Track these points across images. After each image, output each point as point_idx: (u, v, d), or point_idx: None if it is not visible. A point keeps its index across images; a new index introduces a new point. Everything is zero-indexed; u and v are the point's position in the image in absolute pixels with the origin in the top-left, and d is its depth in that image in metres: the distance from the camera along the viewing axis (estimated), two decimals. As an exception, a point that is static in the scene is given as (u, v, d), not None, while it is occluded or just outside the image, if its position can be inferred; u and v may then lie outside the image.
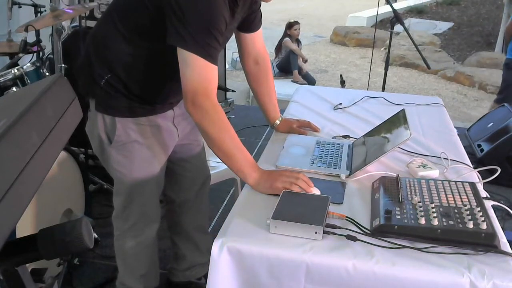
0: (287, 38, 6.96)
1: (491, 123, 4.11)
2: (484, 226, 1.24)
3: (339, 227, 1.30)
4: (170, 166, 1.92)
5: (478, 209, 1.32)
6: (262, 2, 1.74)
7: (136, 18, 1.60)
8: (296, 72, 6.83)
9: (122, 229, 1.89)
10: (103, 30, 1.69)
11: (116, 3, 1.69)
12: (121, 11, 1.65)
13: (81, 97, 1.34)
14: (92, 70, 1.68)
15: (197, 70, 1.47)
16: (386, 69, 3.59)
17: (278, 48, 7.07)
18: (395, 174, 1.55)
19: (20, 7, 3.63)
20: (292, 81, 6.78)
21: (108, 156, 1.75)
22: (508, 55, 4.65)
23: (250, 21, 1.82)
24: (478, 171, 1.69)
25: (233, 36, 1.88)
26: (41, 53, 2.65)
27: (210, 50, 1.48)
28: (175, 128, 1.84)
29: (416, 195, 1.41)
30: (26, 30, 2.57)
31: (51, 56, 3.12)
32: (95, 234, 0.84)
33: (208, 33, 1.46)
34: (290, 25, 7.01)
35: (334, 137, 1.94)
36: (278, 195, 1.43)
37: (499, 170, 1.60)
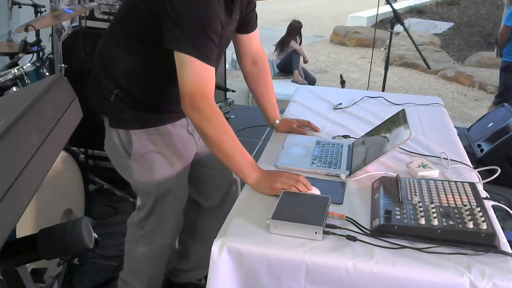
0: (293, 41, 6.92)
1: (491, 123, 4.11)
2: (484, 226, 1.24)
3: (339, 227, 1.30)
4: (194, 174, 1.91)
5: (478, 209, 1.32)
6: (259, 2, 1.74)
7: (134, 26, 1.61)
8: (296, 72, 6.82)
9: (136, 235, 1.88)
10: (106, 45, 1.70)
11: (116, 16, 1.71)
12: (120, 22, 1.67)
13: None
14: (101, 86, 1.69)
15: (194, 72, 1.48)
16: (386, 69, 3.59)
17: (282, 46, 7.01)
18: (395, 174, 1.55)
19: (20, 7, 3.63)
20: (292, 81, 6.76)
21: (130, 170, 1.75)
22: (504, 58, 4.64)
23: (247, 21, 1.83)
24: (478, 171, 1.69)
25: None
26: (41, 53, 2.64)
27: (206, 52, 1.48)
28: (191, 136, 1.82)
29: (416, 195, 1.41)
30: (26, 30, 2.56)
31: (51, 56, 3.12)
32: (95, 234, 0.84)
33: (203, 35, 1.46)
34: (301, 26, 6.96)
35: (334, 137, 1.94)
36: (277, 195, 1.43)
37: (499, 170, 1.60)
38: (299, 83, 6.59)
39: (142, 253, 1.89)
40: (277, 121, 2.00)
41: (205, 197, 2.03)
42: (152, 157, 1.72)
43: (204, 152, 1.91)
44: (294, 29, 7.00)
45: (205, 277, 1.86)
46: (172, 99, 1.73)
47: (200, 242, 2.12)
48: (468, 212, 1.30)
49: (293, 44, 6.88)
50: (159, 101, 1.71)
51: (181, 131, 1.79)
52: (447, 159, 1.73)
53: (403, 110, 1.76)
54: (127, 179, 1.82)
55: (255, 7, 1.81)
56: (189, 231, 2.14)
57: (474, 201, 1.38)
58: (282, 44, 7.02)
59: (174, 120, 1.77)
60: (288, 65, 6.90)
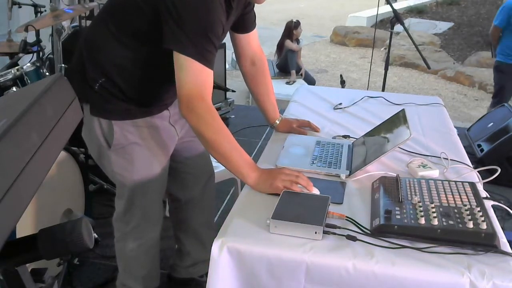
0: (288, 40, 6.94)
1: (491, 123, 4.11)
2: (484, 226, 1.24)
3: (339, 227, 1.30)
4: (173, 165, 1.92)
5: (478, 209, 1.32)
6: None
7: (130, 20, 1.59)
8: (293, 72, 6.82)
9: (124, 231, 1.89)
10: (96, 34, 1.68)
11: (108, 6, 1.68)
12: (114, 13, 1.64)
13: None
14: (85, 74, 1.67)
15: (193, 74, 1.47)
16: (386, 69, 3.59)
17: (279, 48, 7.05)
18: (395, 174, 1.55)
19: (20, 7, 3.64)
20: (287, 82, 6.76)
21: (108, 160, 1.74)
22: (498, 57, 4.65)
23: (245, 21, 1.83)
24: (478, 171, 1.69)
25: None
26: (41, 53, 2.65)
27: (207, 54, 1.48)
28: (173, 127, 1.84)
29: (416, 195, 1.41)
30: (26, 30, 2.57)
31: (51, 56, 3.13)
32: (95, 234, 0.84)
33: (205, 38, 1.46)
34: (295, 26, 6.98)
35: (334, 137, 1.94)
36: (278, 194, 1.43)
37: (499, 170, 1.60)
38: (290, 83, 6.62)
39: (133, 250, 1.89)
40: (277, 121, 2.00)
41: (183, 189, 2.04)
42: (132, 149, 1.72)
43: (182, 143, 1.92)
44: (286, 29, 7.04)
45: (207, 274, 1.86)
46: (160, 94, 1.74)
47: (193, 235, 2.13)
48: (468, 212, 1.30)
49: (288, 44, 6.89)
50: (146, 96, 1.71)
51: (163, 123, 1.79)
52: (447, 159, 1.73)
53: (403, 110, 1.76)
54: (103, 169, 1.81)
55: (253, 7, 1.81)
56: (179, 228, 2.16)
57: (474, 201, 1.38)
58: (279, 47, 7.05)
59: (157, 112, 1.77)
60: (285, 65, 6.91)
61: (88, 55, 1.68)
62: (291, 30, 6.98)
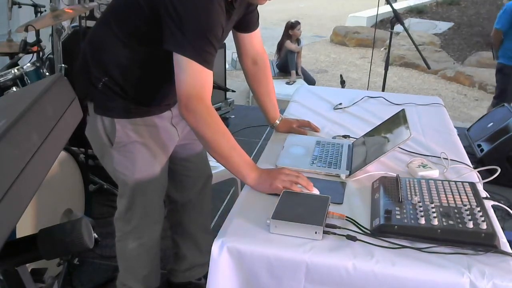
0: (288, 40, 6.94)
1: (491, 123, 4.11)
2: (484, 226, 1.24)
3: (339, 227, 1.30)
4: (171, 167, 1.92)
5: (478, 209, 1.32)
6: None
7: (132, 21, 1.60)
8: (293, 72, 6.83)
9: (124, 231, 1.89)
10: (99, 33, 1.70)
11: (112, 7, 1.70)
12: (117, 14, 1.66)
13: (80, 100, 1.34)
14: (90, 73, 1.68)
15: (192, 75, 1.48)
16: (386, 69, 3.59)
17: (279, 49, 7.05)
18: (395, 174, 1.55)
19: (20, 7, 3.64)
20: (287, 82, 6.75)
21: (111, 158, 1.75)
22: (500, 60, 4.64)
23: (248, 21, 1.83)
24: (478, 171, 1.69)
25: (232, 36, 1.89)
26: (41, 53, 2.65)
27: (206, 56, 1.48)
28: (174, 128, 1.84)
29: (416, 195, 1.41)
30: (26, 30, 2.57)
31: (51, 56, 3.13)
32: (95, 234, 0.84)
33: (205, 39, 1.47)
34: (292, 26, 6.99)
35: (334, 137, 1.94)
36: (278, 194, 1.43)
37: (499, 170, 1.60)
38: (290, 83, 6.61)
39: (134, 249, 1.89)
40: (277, 121, 2.00)
41: (181, 191, 2.05)
42: (134, 148, 1.73)
43: (181, 145, 1.92)
44: (286, 30, 7.04)
45: (205, 276, 1.86)
46: (162, 94, 1.74)
47: (190, 239, 2.14)
48: (468, 212, 1.30)
49: (288, 44, 6.89)
50: (148, 95, 1.72)
51: (165, 123, 1.80)
52: (447, 159, 1.73)
53: (403, 110, 1.76)
54: (105, 167, 1.82)
55: (256, 7, 1.81)
56: (176, 231, 2.16)
57: (474, 201, 1.38)
58: (279, 47, 7.05)
59: (160, 112, 1.78)
60: (285, 65, 6.92)
61: (91, 54, 1.70)
62: (288, 29, 6.98)
